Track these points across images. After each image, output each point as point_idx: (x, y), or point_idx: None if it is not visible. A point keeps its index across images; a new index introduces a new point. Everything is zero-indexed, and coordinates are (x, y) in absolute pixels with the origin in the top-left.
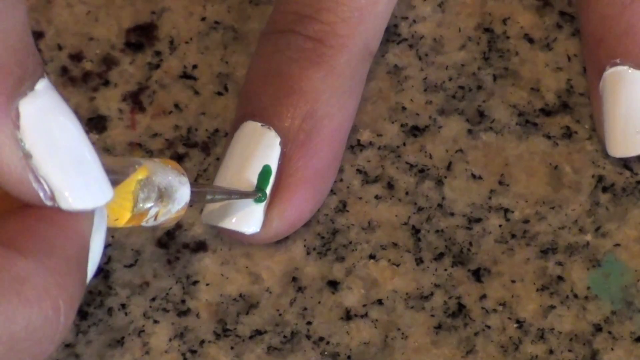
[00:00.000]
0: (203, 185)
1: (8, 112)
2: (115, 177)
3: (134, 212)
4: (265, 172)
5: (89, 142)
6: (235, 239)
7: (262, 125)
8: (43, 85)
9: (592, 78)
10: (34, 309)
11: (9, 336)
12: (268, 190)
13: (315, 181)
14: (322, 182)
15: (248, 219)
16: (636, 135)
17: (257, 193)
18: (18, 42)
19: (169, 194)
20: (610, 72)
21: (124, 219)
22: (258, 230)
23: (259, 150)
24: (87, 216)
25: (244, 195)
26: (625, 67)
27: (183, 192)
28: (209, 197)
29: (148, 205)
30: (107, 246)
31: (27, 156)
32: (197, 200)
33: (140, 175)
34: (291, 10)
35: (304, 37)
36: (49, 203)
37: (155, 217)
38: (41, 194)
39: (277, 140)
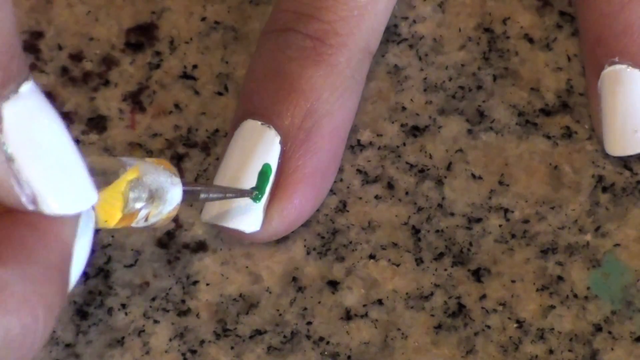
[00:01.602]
0: (197, 184)
1: None
2: (106, 177)
3: (124, 212)
4: (265, 170)
5: (74, 146)
6: (235, 237)
7: (262, 124)
8: (27, 88)
9: (591, 77)
10: (12, 318)
11: None
12: (268, 189)
13: (315, 180)
14: (322, 181)
15: (248, 217)
16: (634, 134)
17: (253, 191)
18: (2, 44)
19: (160, 195)
20: (608, 70)
21: (114, 220)
22: (258, 228)
23: (259, 148)
24: (70, 222)
25: (239, 193)
26: (624, 66)
27: (174, 193)
28: (202, 196)
29: (138, 205)
30: (107, 246)
31: (10, 160)
32: (191, 199)
33: (130, 175)
34: (291, 9)
35: (304, 36)
36: (31, 207)
37: (146, 218)
38: (23, 199)
39: (277, 138)
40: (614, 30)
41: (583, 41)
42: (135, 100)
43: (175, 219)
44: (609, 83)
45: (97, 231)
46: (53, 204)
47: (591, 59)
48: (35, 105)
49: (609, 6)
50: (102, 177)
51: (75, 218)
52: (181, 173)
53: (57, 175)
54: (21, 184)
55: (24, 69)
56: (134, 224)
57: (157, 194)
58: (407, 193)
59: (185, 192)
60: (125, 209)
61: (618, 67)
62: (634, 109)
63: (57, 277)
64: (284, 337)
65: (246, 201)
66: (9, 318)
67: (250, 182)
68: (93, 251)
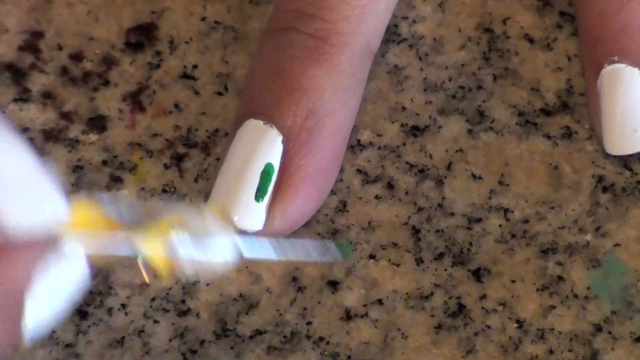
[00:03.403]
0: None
1: None
2: (150, 220)
3: (167, 256)
4: (267, 170)
5: (35, 162)
6: None
7: (264, 123)
8: None
9: (590, 76)
10: None
11: None
12: (270, 189)
13: (317, 179)
14: (324, 180)
15: (250, 217)
16: (634, 133)
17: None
18: None
19: (206, 243)
20: (607, 69)
21: (160, 265)
22: (260, 228)
23: (261, 148)
24: (22, 258)
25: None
26: (623, 65)
27: (223, 243)
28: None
29: (182, 251)
30: None
31: None
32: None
33: (173, 220)
34: (293, 8)
35: (305, 35)
36: None
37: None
38: None
39: (279, 138)
40: (613, 30)
41: (582, 40)
42: (135, 100)
43: None
44: (608, 82)
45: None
46: (12, 218)
47: (590, 58)
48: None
49: (608, 5)
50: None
51: (29, 253)
52: (181, 173)
53: (16, 190)
54: None
55: None
56: (180, 273)
57: (201, 242)
58: (407, 193)
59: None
60: (168, 254)
61: (617, 66)
62: (633, 108)
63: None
64: (284, 337)
65: (248, 201)
66: None
67: (252, 181)
68: None
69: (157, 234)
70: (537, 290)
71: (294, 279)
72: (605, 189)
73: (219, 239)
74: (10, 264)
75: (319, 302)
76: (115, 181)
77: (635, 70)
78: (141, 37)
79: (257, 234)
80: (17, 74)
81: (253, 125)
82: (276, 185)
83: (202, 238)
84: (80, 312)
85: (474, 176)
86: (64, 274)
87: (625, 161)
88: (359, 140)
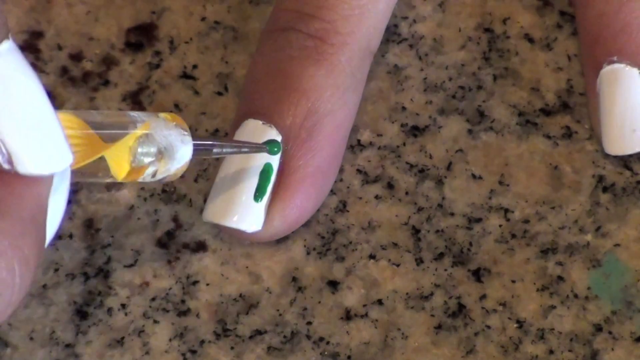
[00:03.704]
0: (210, 139)
1: None
2: (117, 131)
3: (132, 166)
4: (266, 170)
5: (51, 107)
6: (236, 237)
7: (263, 123)
8: (6, 47)
9: (589, 76)
10: None
11: None
12: (269, 189)
13: (316, 179)
14: (324, 180)
15: (249, 217)
16: (633, 133)
17: (266, 147)
18: None
19: (169, 152)
20: (607, 69)
21: (122, 173)
22: (259, 228)
23: None
24: (45, 177)
25: (255, 148)
26: (622, 65)
27: (184, 151)
28: (216, 150)
29: (147, 160)
30: (107, 246)
31: None
32: (203, 155)
33: (140, 131)
34: (292, 8)
35: (305, 35)
36: (6, 167)
37: (154, 174)
38: None
39: (279, 138)
40: (612, 30)
41: (581, 40)
42: (135, 100)
43: (176, 219)
44: (608, 82)
45: (73, 191)
46: (28, 164)
47: (590, 58)
48: (14, 64)
49: (607, 5)
50: (112, 132)
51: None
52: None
53: (32, 135)
54: None
55: (3, 28)
56: (140, 179)
57: (167, 151)
58: (407, 193)
59: (197, 149)
60: (133, 163)
61: (616, 66)
62: (633, 107)
63: (32, 231)
64: (284, 337)
65: (248, 201)
66: None
67: (251, 181)
68: (92, 251)
69: (124, 143)
70: (537, 290)
71: (294, 279)
72: (605, 189)
73: (180, 148)
74: (35, 181)
75: (319, 302)
76: None
77: (635, 70)
78: (141, 37)
79: (256, 234)
80: None
81: (252, 125)
82: (275, 185)
83: (165, 148)
84: (80, 312)
85: (474, 176)
86: (57, 198)
87: (625, 161)
88: (359, 140)
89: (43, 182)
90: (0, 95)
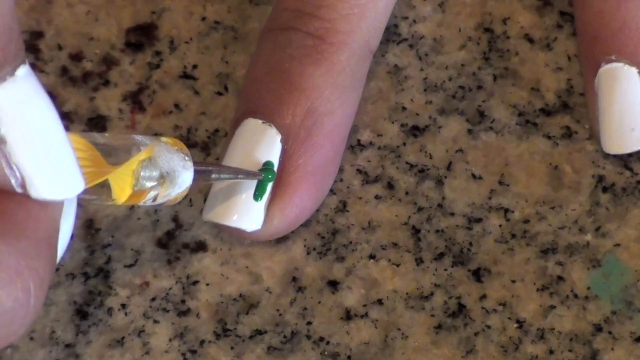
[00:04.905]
0: (209, 164)
1: None
2: (120, 155)
3: (134, 190)
4: (266, 169)
5: (65, 133)
6: (236, 236)
7: (263, 123)
8: (23, 72)
9: (588, 75)
10: (4, 291)
11: None
12: (269, 188)
13: (316, 178)
14: (323, 179)
15: (249, 216)
16: (631, 133)
17: (261, 174)
18: (0, 26)
19: (171, 178)
20: (605, 68)
21: (123, 196)
22: (259, 227)
23: (260, 147)
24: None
25: (250, 175)
26: (621, 64)
27: (185, 177)
28: (214, 176)
29: (149, 185)
30: (107, 246)
31: (2, 141)
32: (202, 179)
33: (144, 155)
34: (292, 8)
35: (304, 34)
36: (19, 190)
37: (155, 198)
38: (13, 181)
39: (278, 137)
40: (610, 28)
41: (580, 39)
42: (135, 100)
43: (176, 219)
44: (606, 81)
45: (79, 205)
46: (41, 190)
47: (588, 57)
48: (31, 89)
49: (606, 4)
50: (116, 155)
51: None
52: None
53: (46, 161)
54: (11, 166)
55: (21, 53)
56: (141, 203)
57: (168, 176)
58: (407, 193)
59: (196, 172)
60: (135, 187)
61: (615, 65)
62: (631, 107)
63: (46, 251)
64: (284, 337)
65: (248, 200)
66: (1, 291)
67: (251, 181)
68: (92, 251)
69: (127, 167)
70: (537, 290)
71: (294, 279)
72: (605, 189)
73: (181, 174)
74: (49, 203)
75: (319, 302)
76: None
77: (633, 69)
78: (141, 37)
79: (256, 233)
80: None
81: (252, 125)
82: (275, 184)
83: (167, 173)
84: (80, 312)
85: (474, 176)
86: (66, 221)
87: (625, 161)
88: (359, 140)
89: (56, 205)
90: (16, 121)
